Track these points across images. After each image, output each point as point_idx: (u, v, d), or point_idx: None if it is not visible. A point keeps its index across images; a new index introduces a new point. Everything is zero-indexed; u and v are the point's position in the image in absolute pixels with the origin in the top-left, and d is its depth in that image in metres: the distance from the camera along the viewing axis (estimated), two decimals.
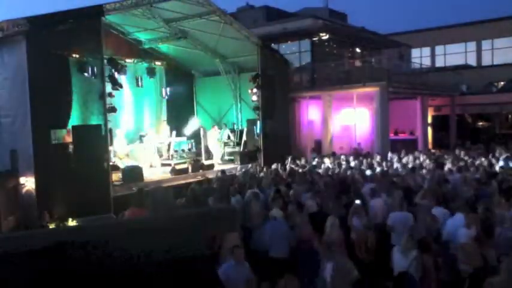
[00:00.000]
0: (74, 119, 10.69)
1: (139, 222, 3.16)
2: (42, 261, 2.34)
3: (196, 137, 16.75)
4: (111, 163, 11.55)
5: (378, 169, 11.75)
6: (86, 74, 10.98)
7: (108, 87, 12.00)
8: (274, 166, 13.18)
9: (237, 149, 16.68)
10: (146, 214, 8.28)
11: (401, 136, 21.76)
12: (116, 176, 12.12)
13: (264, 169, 13.38)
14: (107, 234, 2.64)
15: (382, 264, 6.35)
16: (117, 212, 10.09)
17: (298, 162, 13.44)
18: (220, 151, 16.49)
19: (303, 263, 6.22)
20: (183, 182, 12.54)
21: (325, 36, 22.10)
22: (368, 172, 11.20)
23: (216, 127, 16.90)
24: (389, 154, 15.11)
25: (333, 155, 15.69)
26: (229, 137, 16.85)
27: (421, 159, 13.82)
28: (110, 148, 11.97)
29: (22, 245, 2.33)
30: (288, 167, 12.46)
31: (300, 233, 6.97)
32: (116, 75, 12.75)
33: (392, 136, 21.19)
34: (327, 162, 14.16)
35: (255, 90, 16.32)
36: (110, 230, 2.75)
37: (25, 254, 2.29)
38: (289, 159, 13.96)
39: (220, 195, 9.26)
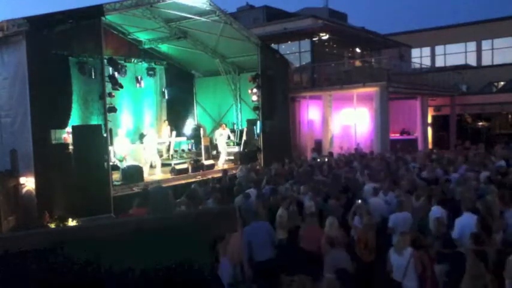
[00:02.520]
0: (74, 119, 10.69)
1: (139, 222, 3.16)
2: (41, 261, 2.34)
3: (196, 137, 16.74)
4: (111, 163, 11.55)
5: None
6: (86, 74, 10.98)
7: (108, 87, 11.99)
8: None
9: (237, 149, 16.67)
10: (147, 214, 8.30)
11: (401, 136, 21.76)
12: (116, 176, 12.13)
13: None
14: (106, 234, 2.64)
15: (383, 263, 6.35)
16: (117, 212, 10.10)
17: (286, 165, 13.30)
18: (226, 151, 16.38)
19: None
20: (183, 182, 12.54)
21: (325, 36, 22.09)
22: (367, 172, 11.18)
23: (223, 125, 16.78)
24: (388, 154, 15.11)
25: (331, 155, 15.68)
26: (229, 137, 16.84)
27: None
28: (110, 148, 11.97)
29: (22, 245, 2.33)
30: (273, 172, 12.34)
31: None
32: (116, 75, 12.74)
33: (398, 136, 21.21)
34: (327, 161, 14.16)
35: (255, 90, 16.32)
36: (109, 230, 2.75)
37: (25, 254, 2.29)
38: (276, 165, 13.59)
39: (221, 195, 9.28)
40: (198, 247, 2.81)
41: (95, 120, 10.92)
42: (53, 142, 10.30)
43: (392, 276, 5.67)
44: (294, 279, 4.80)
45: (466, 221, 6.41)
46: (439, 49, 30.61)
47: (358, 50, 25.95)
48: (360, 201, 7.76)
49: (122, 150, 13.30)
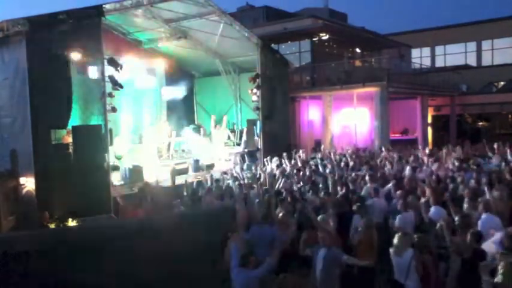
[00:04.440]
0: (74, 119, 10.68)
1: (139, 222, 3.16)
2: (41, 261, 2.34)
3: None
4: (111, 163, 11.55)
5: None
6: (86, 74, 10.97)
7: (108, 87, 11.99)
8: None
9: (237, 149, 16.68)
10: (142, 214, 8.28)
11: (401, 136, 21.78)
12: (116, 176, 12.12)
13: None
14: (107, 234, 2.64)
15: (383, 264, 6.33)
16: (117, 212, 10.10)
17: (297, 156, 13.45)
18: (223, 151, 16.44)
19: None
20: (183, 182, 12.52)
21: (325, 36, 22.10)
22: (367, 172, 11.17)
23: (218, 126, 16.84)
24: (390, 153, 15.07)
25: (330, 154, 15.66)
26: (229, 137, 16.86)
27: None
28: (110, 148, 11.97)
29: (22, 245, 2.33)
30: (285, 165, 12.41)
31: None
32: (116, 75, 12.73)
33: (398, 136, 21.21)
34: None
35: (255, 90, 16.31)
36: (110, 231, 2.75)
37: (25, 254, 2.29)
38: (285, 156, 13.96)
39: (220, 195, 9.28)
40: (198, 246, 2.81)
41: (95, 120, 10.91)
42: (53, 142, 10.30)
43: (395, 277, 5.65)
44: (286, 276, 4.85)
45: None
46: (439, 49, 30.63)
47: (358, 50, 25.95)
48: (358, 204, 7.68)
49: (121, 150, 13.30)
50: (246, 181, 10.80)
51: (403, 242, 5.52)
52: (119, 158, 13.09)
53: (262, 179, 10.77)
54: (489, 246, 5.63)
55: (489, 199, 7.11)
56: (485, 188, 7.93)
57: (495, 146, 12.48)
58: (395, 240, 5.66)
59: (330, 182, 9.26)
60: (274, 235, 6.85)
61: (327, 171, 11.44)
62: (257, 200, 8.33)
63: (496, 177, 8.92)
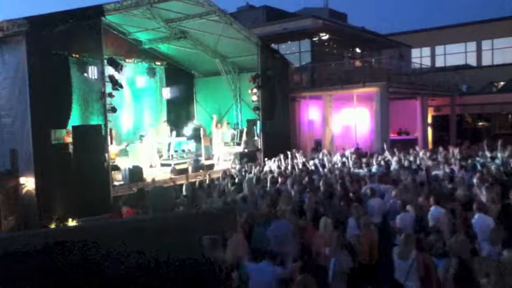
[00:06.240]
0: (74, 119, 10.70)
1: (140, 222, 3.17)
2: (42, 260, 2.34)
3: (196, 137, 16.76)
4: (111, 163, 11.56)
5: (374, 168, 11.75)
6: (86, 74, 10.98)
7: (108, 87, 12.00)
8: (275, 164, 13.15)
9: (237, 149, 16.69)
10: (141, 214, 8.28)
11: (401, 136, 21.77)
12: (116, 176, 12.13)
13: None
14: (107, 234, 2.64)
15: (383, 264, 6.33)
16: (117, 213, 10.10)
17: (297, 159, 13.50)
18: (222, 151, 16.47)
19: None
20: (183, 182, 12.54)
21: (325, 36, 22.11)
22: (366, 172, 11.18)
23: (219, 125, 16.89)
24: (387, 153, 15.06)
25: (329, 155, 15.67)
26: (232, 138, 16.89)
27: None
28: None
29: (22, 245, 2.33)
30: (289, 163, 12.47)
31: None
32: (116, 75, 12.74)
33: (395, 136, 21.20)
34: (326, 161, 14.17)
35: (255, 90, 16.32)
36: (110, 230, 2.75)
37: (25, 254, 2.29)
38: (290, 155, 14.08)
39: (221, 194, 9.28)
40: (198, 246, 2.81)
41: (95, 120, 10.94)
42: (53, 142, 10.32)
43: (395, 276, 5.64)
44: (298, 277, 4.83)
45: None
46: (439, 49, 30.63)
47: (358, 50, 25.96)
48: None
49: (113, 150, 13.26)
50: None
51: (408, 244, 5.50)
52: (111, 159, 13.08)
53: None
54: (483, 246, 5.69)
55: (482, 200, 7.13)
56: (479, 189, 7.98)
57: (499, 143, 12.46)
58: (400, 242, 5.65)
59: (325, 183, 9.29)
60: (292, 230, 6.83)
61: (326, 171, 11.46)
62: (257, 200, 8.35)
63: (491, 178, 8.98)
